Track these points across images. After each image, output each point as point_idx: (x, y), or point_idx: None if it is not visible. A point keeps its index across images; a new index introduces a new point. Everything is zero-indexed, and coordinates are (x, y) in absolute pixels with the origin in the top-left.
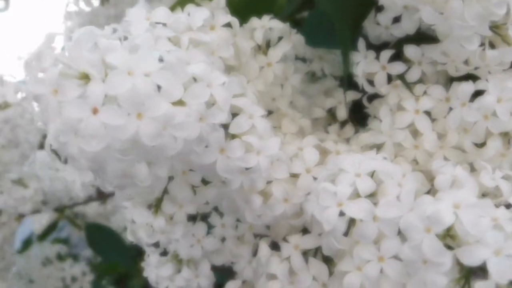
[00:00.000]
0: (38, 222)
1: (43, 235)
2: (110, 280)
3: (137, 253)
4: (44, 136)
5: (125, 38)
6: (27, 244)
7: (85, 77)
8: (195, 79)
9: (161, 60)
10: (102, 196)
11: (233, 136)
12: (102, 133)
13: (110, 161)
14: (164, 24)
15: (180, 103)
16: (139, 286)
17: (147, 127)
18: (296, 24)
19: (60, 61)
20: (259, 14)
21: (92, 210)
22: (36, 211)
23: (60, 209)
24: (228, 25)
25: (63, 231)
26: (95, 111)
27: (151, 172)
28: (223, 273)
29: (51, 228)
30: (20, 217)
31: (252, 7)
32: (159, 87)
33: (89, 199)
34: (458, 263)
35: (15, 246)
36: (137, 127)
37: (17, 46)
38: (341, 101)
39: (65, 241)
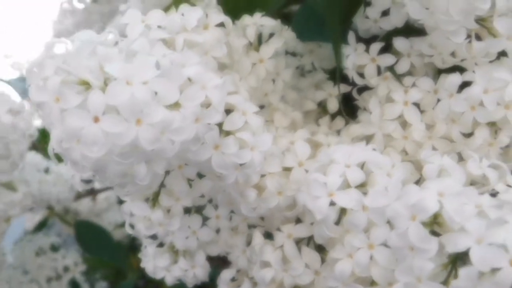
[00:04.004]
0: (31, 220)
1: (33, 232)
2: (103, 274)
3: (129, 249)
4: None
5: (121, 41)
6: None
7: (85, 83)
8: (190, 80)
9: (157, 64)
10: (92, 192)
11: (227, 133)
12: (103, 140)
13: (110, 165)
14: (159, 26)
15: (176, 105)
16: (133, 281)
17: (146, 133)
18: (285, 18)
19: (61, 69)
20: (249, 11)
21: (84, 207)
22: (26, 211)
23: (50, 207)
24: (221, 24)
25: (52, 228)
26: (96, 119)
27: (150, 170)
28: (217, 265)
29: (42, 225)
30: (9, 219)
31: (241, 4)
32: (155, 93)
33: (78, 196)
34: (444, 250)
35: (4, 243)
36: (136, 133)
37: (4, 44)
38: (332, 93)
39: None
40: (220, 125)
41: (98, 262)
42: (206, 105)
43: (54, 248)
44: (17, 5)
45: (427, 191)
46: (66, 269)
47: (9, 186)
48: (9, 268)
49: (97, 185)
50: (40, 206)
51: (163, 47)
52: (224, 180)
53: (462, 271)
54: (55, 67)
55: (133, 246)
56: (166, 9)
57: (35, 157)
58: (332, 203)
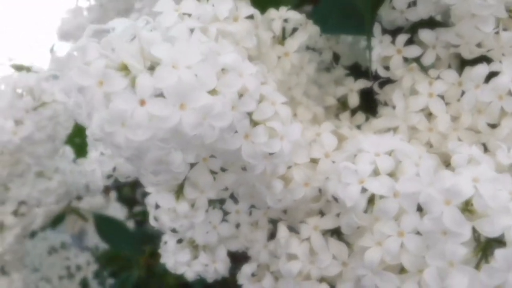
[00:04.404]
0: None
1: (49, 226)
2: (110, 272)
3: (141, 241)
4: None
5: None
6: (31, 236)
7: (125, 69)
8: (223, 70)
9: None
10: (107, 189)
11: (256, 123)
12: (148, 123)
13: (151, 150)
14: (190, 15)
15: (214, 92)
16: (136, 275)
17: (189, 117)
18: None
19: (104, 54)
20: (276, 5)
21: (87, 204)
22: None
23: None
24: (250, 16)
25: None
26: (142, 102)
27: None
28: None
29: (59, 219)
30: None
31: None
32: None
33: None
34: (475, 237)
35: None
36: (180, 117)
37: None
38: (352, 88)
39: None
40: (249, 114)
41: (106, 259)
42: (240, 93)
43: (64, 246)
44: (17, 6)
45: (461, 176)
46: (78, 268)
47: (41, 175)
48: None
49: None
50: (70, 196)
51: (201, 34)
52: (252, 170)
53: (498, 252)
54: (99, 51)
55: (143, 240)
56: None
57: (65, 148)
58: (363, 190)
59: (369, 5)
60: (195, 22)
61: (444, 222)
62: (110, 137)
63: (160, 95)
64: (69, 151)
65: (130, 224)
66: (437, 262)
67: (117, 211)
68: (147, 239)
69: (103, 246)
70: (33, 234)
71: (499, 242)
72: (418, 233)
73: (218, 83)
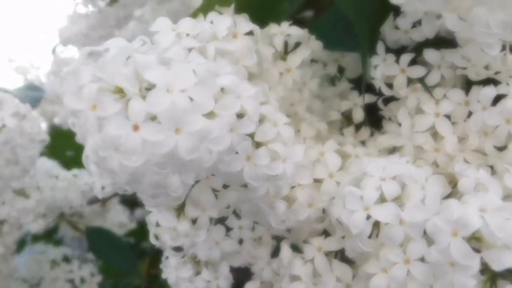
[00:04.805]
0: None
1: (41, 237)
2: (110, 283)
3: (136, 252)
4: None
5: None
6: (21, 244)
7: (120, 91)
8: (223, 90)
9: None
10: (104, 200)
11: (259, 144)
12: (142, 149)
13: (147, 175)
14: (187, 34)
15: (211, 114)
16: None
17: (185, 141)
18: (298, 24)
19: (97, 77)
20: (263, 19)
21: (88, 210)
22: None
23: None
24: (250, 32)
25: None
26: (136, 128)
27: (181, 180)
28: (240, 275)
29: (52, 232)
30: (21, 226)
31: (255, 14)
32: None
33: (89, 202)
34: (484, 265)
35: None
36: (176, 142)
37: (6, 46)
38: (357, 103)
39: (59, 242)
40: (251, 136)
41: (106, 269)
42: (239, 115)
43: (67, 259)
44: (19, 7)
45: (468, 206)
46: (82, 280)
47: (22, 193)
48: (19, 281)
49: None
50: (53, 213)
51: (199, 55)
52: (255, 192)
53: None
54: (92, 74)
55: (139, 250)
56: (194, 16)
57: (46, 163)
58: (367, 217)
59: (366, 24)
60: (193, 41)
61: (451, 254)
62: (104, 162)
63: (155, 119)
64: (52, 166)
65: (132, 225)
66: None
67: (119, 214)
68: (143, 253)
69: None
70: (22, 246)
71: (509, 271)
72: (425, 260)
73: (216, 106)
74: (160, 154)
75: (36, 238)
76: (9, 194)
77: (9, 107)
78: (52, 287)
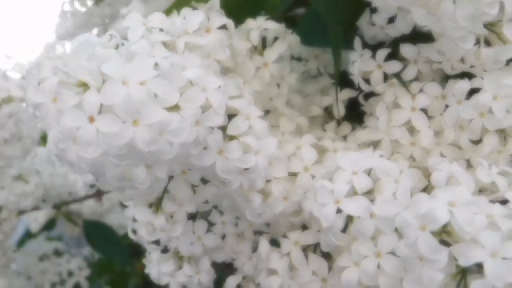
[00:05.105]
0: (35, 220)
1: (40, 231)
2: (106, 280)
3: (134, 250)
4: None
5: (123, 44)
6: (22, 242)
7: (84, 85)
8: (191, 83)
9: (157, 66)
10: (99, 193)
11: (231, 138)
12: (98, 140)
13: (108, 166)
14: (161, 29)
15: (176, 107)
16: (134, 285)
17: (142, 133)
18: (290, 22)
19: (59, 70)
20: (252, 14)
21: (87, 208)
22: (35, 208)
23: (57, 206)
24: (224, 27)
25: (55, 230)
26: (91, 119)
27: (150, 174)
28: (222, 270)
29: (49, 225)
30: (20, 213)
31: (245, 7)
32: (155, 94)
33: (87, 196)
34: (455, 258)
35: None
36: (133, 134)
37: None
38: (338, 99)
39: (57, 240)
40: (224, 129)
41: (102, 266)
42: (207, 108)
43: (58, 253)
44: (18, 5)
45: (437, 201)
46: (70, 273)
47: (21, 178)
48: (13, 275)
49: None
50: (52, 200)
51: (164, 49)
52: (229, 185)
53: (475, 284)
54: (53, 67)
55: (137, 250)
56: (167, 12)
57: (45, 151)
58: (339, 211)
59: (339, 20)
60: (163, 36)
61: (419, 248)
62: (63, 153)
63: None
64: (50, 154)
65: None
66: (414, 287)
67: (120, 216)
68: (140, 250)
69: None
70: (22, 244)
71: (478, 266)
72: (396, 254)
73: (181, 98)
74: (117, 146)
75: (35, 236)
76: (8, 179)
77: (14, 80)
78: (42, 280)
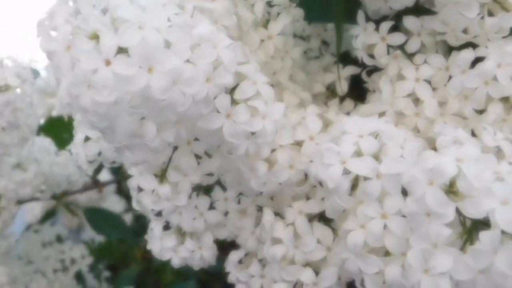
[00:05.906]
0: (31, 214)
1: (41, 222)
2: (104, 265)
3: (137, 233)
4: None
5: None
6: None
7: (96, 37)
8: (199, 44)
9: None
10: (97, 184)
11: (238, 103)
12: (113, 84)
13: (119, 120)
14: None
15: (187, 63)
16: (134, 271)
17: (157, 80)
18: None
19: (71, 22)
20: None
21: (84, 198)
22: (34, 198)
23: (56, 197)
24: None
25: (54, 226)
26: (107, 62)
27: (159, 136)
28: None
29: (49, 215)
30: (19, 202)
31: None
32: (168, 45)
33: (85, 188)
34: (460, 219)
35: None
36: (148, 80)
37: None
38: (341, 75)
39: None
40: (231, 94)
41: (102, 251)
42: (215, 65)
43: (59, 240)
44: (17, 6)
45: (445, 156)
46: (73, 261)
47: (20, 167)
48: (14, 259)
49: (103, 176)
50: (51, 189)
51: (175, 7)
52: (235, 150)
53: (483, 235)
54: (66, 16)
55: (139, 233)
56: None
57: (44, 141)
58: (345, 172)
59: None
60: None
61: (427, 202)
62: (76, 100)
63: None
64: (49, 143)
65: (128, 218)
66: (421, 244)
67: (115, 204)
68: (143, 231)
69: (99, 239)
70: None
71: (485, 224)
72: (402, 215)
73: (192, 55)
74: (133, 91)
75: (40, 223)
76: (6, 167)
77: (11, 68)
78: (45, 265)
